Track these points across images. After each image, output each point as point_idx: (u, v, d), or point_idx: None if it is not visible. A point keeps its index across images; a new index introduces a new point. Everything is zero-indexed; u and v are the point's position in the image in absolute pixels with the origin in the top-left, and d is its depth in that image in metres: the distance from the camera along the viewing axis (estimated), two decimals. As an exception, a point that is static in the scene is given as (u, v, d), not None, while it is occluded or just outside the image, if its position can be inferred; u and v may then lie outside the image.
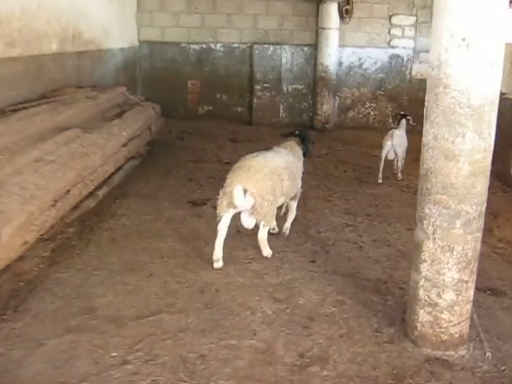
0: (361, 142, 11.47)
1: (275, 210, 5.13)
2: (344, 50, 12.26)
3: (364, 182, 8.38)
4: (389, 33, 12.24)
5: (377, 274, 5.16)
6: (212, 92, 12.60)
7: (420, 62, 12.36)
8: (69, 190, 5.49)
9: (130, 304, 4.34)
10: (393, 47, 12.30)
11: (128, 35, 11.89)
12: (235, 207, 4.86)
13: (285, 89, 12.50)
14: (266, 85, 12.26)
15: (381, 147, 8.34)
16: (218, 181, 7.83)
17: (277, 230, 5.89)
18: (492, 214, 7.28)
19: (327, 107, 12.26)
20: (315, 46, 12.16)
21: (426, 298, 3.87)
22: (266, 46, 12.14)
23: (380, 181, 8.30)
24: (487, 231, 6.48)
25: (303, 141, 6.06)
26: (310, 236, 5.97)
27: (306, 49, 12.32)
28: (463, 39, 3.33)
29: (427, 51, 12.37)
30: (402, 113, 9.23)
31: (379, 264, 5.38)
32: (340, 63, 12.31)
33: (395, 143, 8.24)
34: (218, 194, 5.02)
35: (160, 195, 7.03)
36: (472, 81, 3.43)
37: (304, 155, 6.04)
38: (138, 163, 8.16)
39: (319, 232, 6.12)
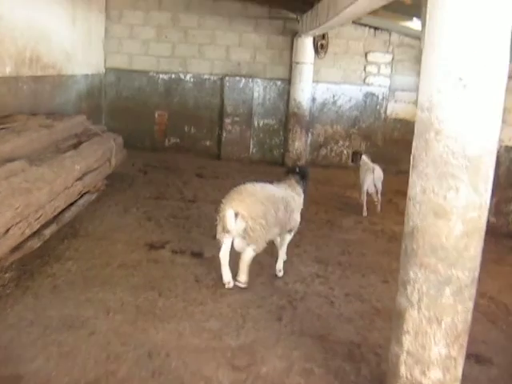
0: (333, 181, 11.04)
1: (267, 237, 5.13)
2: (318, 85, 11.90)
3: (336, 225, 7.88)
4: (364, 70, 11.93)
5: (349, 335, 4.61)
6: (180, 124, 12.10)
7: (395, 101, 12.07)
8: (8, 230, 4.86)
9: (64, 371, 3.70)
10: (368, 85, 11.98)
11: (94, 61, 11.35)
12: (228, 231, 4.94)
13: (256, 123, 12.06)
14: (236, 118, 11.81)
15: (358, 184, 8.58)
16: (180, 221, 7.35)
17: (281, 273, 5.72)
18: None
19: (299, 144, 11.83)
20: (288, 81, 11.78)
21: (408, 375, 3.32)
22: (238, 78, 11.72)
23: (365, 214, 8.45)
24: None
25: (303, 178, 6.02)
26: (276, 288, 5.41)
27: (279, 83, 11.94)
28: (460, 79, 2.87)
29: (403, 90, 12.22)
30: (357, 150, 9.91)
31: (352, 323, 4.83)
32: (314, 99, 11.94)
33: (376, 177, 8.51)
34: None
35: (114, 236, 6.41)
36: (469, 127, 2.96)
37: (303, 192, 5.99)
38: (94, 199, 7.53)
39: (287, 283, 5.56)
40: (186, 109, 12.02)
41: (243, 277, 5.18)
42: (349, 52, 11.86)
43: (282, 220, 5.28)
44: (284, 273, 5.79)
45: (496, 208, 8.37)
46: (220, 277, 5.29)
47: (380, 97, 12.04)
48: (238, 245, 5.07)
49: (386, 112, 12.12)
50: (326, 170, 11.83)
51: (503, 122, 8.01)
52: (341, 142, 12.27)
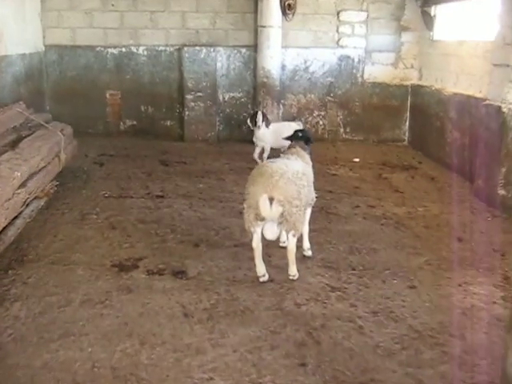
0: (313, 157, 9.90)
1: (304, 217, 4.91)
2: (287, 51, 10.66)
3: (332, 213, 6.77)
4: (337, 31, 10.73)
5: (397, 378, 3.52)
6: (135, 104, 10.71)
7: (373, 64, 10.94)
8: None
9: None
10: (342, 47, 10.80)
11: (30, 38, 9.81)
12: (263, 219, 4.54)
13: (221, 98, 10.78)
14: (199, 94, 10.48)
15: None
16: (150, 226, 6.01)
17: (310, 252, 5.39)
18: (497, 252, 5.86)
19: (271, 118, 10.58)
20: (254, 48, 10.50)
21: None
22: (198, 48, 10.35)
23: None
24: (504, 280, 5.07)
25: (307, 143, 5.52)
26: (287, 313, 4.26)
27: (243, 51, 10.64)
28: None
29: (380, 51, 10.89)
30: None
31: (394, 358, 3.74)
32: (283, 66, 10.70)
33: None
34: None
35: (72, 256, 5.12)
36: None
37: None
38: (43, 205, 6.21)
39: (298, 305, 4.41)
40: (141, 86, 10.63)
41: (294, 269, 4.83)
42: (319, 12, 10.62)
43: (308, 197, 4.92)
44: (290, 288, 4.67)
45: (506, 179, 7.40)
46: (216, 303, 4.15)
47: (356, 60, 10.89)
48: (269, 230, 4.63)
49: (363, 76, 10.99)
50: (302, 145, 10.69)
51: (510, 81, 6.94)
52: (316, 112, 11.11)
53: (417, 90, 10.82)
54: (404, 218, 6.79)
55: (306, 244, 5.38)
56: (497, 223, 6.82)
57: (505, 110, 7.26)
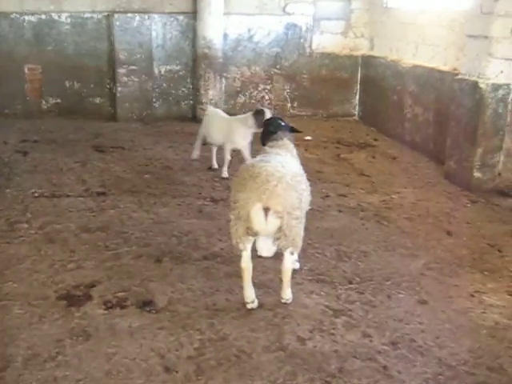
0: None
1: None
2: (229, 18, 9.60)
3: (304, 207, 5.92)
4: (283, -4, 9.78)
5: None
6: (59, 79, 9.37)
7: (321, 33, 10.10)
8: None
9: None
10: (289, 14, 9.86)
11: None
12: (256, 234, 3.69)
13: (157, 71, 9.62)
14: (132, 67, 9.26)
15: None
16: (97, 236, 4.82)
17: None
18: (493, 247, 5.27)
19: (213, 93, 9.60)
20: (193, 15, 9.39)
21: None
22: (130, 15, 9.10)
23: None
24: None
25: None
26: (292, 355, 3.38)
27: (181, 18, 9.49)
28: None
29: (329, 18, 10.08)
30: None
31: (439, 411, 2.99)
32: (225, 36, 9.65)
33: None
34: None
35: (4, 287, 3.99)
36: None
37: None
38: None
39: (302, 340, 3.54)
40: (64, 59, 9.27)
41: (289, 292, 3.97)
42: (264, -26, 9.62)
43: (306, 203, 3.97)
44: (287, 317, 3.81)
45: (481, 161, 6.84)
46: (201, 346, 3.25)
47: (303, 28, 10.00)
48: (264, 247, 3.93)
49: (311, 46, 10.13)
50: (247, 122, 9.77)
51: (489, 54, 6.22)
52: (261, 86, 10.18)
53: (368, 61, 10.09)
54: (381, 208, 6.09)
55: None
56: (479, 210, 6.27)
57: (482, 85, 6.63)
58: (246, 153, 6.64)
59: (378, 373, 3.26)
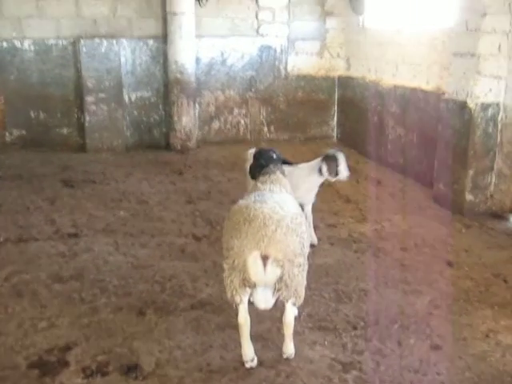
0: (239, 163, 8.63)
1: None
2: (201, 41, 9.26)
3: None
4: (256, 17, 9.50)
5: None
6: (23, 109, 8.90)
7: (296, 54, 9.83)
8: None
9: None
10: (262, 36, 9.57)
11: None
12: (253, 285, 3.24)
13: (127, 98, 9.18)
14: (101, 95, 8.82)
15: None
16: (71, 286, 4.24)
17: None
18: (497, 277, 4.96)
19: (187, 119, 9.20)
20: (164, 39, 9.02)
21: None
22: (98, 40, 8.67)
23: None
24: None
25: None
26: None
27: (151, 42, 9.11)
28: None
29: (304, 39, 9.71)
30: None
31: None
32: (197, 60, 9.28)
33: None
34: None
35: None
36: None
37: None
38: None
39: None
40: (28, 88, 8.80)
41: (291, 346, 3.55)
42: (236, -5, 9.32)
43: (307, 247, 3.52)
44: (292, 373, 3.38)
45: (473, 183, 6.56)
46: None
47: (278, 50, 9.71)
48: (262, 298, 3.33)
49: (286, 68, 9.85)
50: (223, 148, 9.45)
51: (477, 72, 6.00)
52: (236, 111, 9.83)
53: (345, 81, 9.83)
54: (374, 238, 5.75)
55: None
56: (475, 236, 5.96)
57: (471, 105, 6.37)
58: (309, 209, 5.48)
59: None
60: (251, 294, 3.31)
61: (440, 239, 5.79)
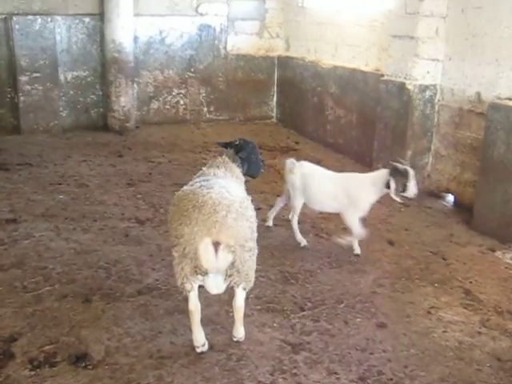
0: (179, 143, 8.57)
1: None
2: (139, 20, 9.01)
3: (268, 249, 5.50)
4: (196, -4, 9.33)
5: None
6: (-49, 89, 8.45)
7: (236, 33, 9.73)
8: None
9: None
10: (202, 15, 9.40)
11: None
12: (205, 272, 3.18)
13: (63, 78, 8.86)
14: (35, 74, 8.46)
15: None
16: (12, 274, 4.23)
17: None
18: (436, 255, 5.14)
19: (126, 99, 8.98)
20: (100, 16, 8.71)
21: None
22: (31, 17, 8.27)
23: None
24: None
25: (243, 153, 4.07)
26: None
27: (87, 20, 8.78)
28: None
29: (244, 19, 9.71)
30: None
31: None
32: (136, 38, 9.05)
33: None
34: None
35: None
36: None
37: (252, 175, 4.29)
38: None
39: (264, 386, 3.17)
40: (-44, 67, 8.37)
41: (242, 330, 3.57)
42: (174, -27, 9.13)
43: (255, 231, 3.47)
44: (243, 356, 3.41)
45: (411, 163, 6.72)
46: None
47: (217, 29, 9.57)
48: (214, 284, 3.29)
49: (226, 48, 9.73)
50: (163, 129, 9.32)
51: (415, 55, 6.10)
52: (175, 91, 9.65)
53: (285, 62, 9.83)
54: (317, 219, 5.82)
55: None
56: (413, 215, 6.19)
57: (410, 86, 6.52)
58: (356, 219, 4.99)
59: (353, 419, 2.94)
60: (202, 280, 3.29)
61: (380, 218, 5.92)
